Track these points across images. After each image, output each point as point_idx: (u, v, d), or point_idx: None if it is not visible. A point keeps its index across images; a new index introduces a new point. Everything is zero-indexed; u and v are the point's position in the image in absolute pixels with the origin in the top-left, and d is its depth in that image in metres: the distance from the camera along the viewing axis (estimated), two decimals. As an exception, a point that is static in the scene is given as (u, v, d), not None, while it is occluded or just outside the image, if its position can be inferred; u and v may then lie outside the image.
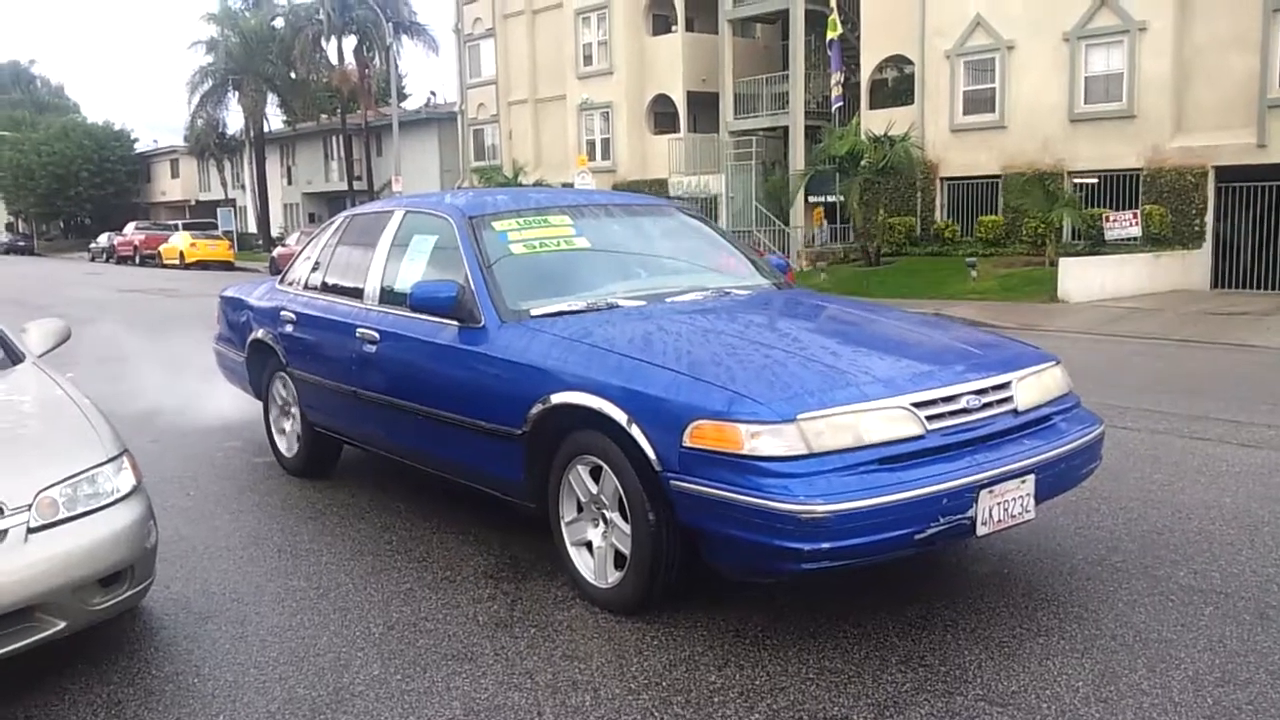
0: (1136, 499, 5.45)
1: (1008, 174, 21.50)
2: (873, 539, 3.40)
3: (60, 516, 3.38)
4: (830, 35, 24.11)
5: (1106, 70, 20.31)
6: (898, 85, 25.72)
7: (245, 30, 46.08)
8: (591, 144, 31.80)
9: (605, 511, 4.04)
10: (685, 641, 3.77)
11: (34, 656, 3.50)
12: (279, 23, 46.37)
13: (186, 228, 43.32)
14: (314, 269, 6.16)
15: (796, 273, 19.68)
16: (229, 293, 7.27)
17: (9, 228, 68.17)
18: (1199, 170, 19.09)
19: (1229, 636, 3.72)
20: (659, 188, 28.08)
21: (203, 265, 38.24)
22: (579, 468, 4.10)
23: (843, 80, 24.50)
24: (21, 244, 59.89)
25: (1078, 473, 4.14)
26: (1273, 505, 5.33)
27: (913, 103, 23.50)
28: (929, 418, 3.63)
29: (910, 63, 23.96)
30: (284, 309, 6.15)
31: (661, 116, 30.90)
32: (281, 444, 6.47)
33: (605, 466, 3.94)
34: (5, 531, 3.27)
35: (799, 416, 3.45)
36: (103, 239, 49.71)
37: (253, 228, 50.87)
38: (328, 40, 43.05)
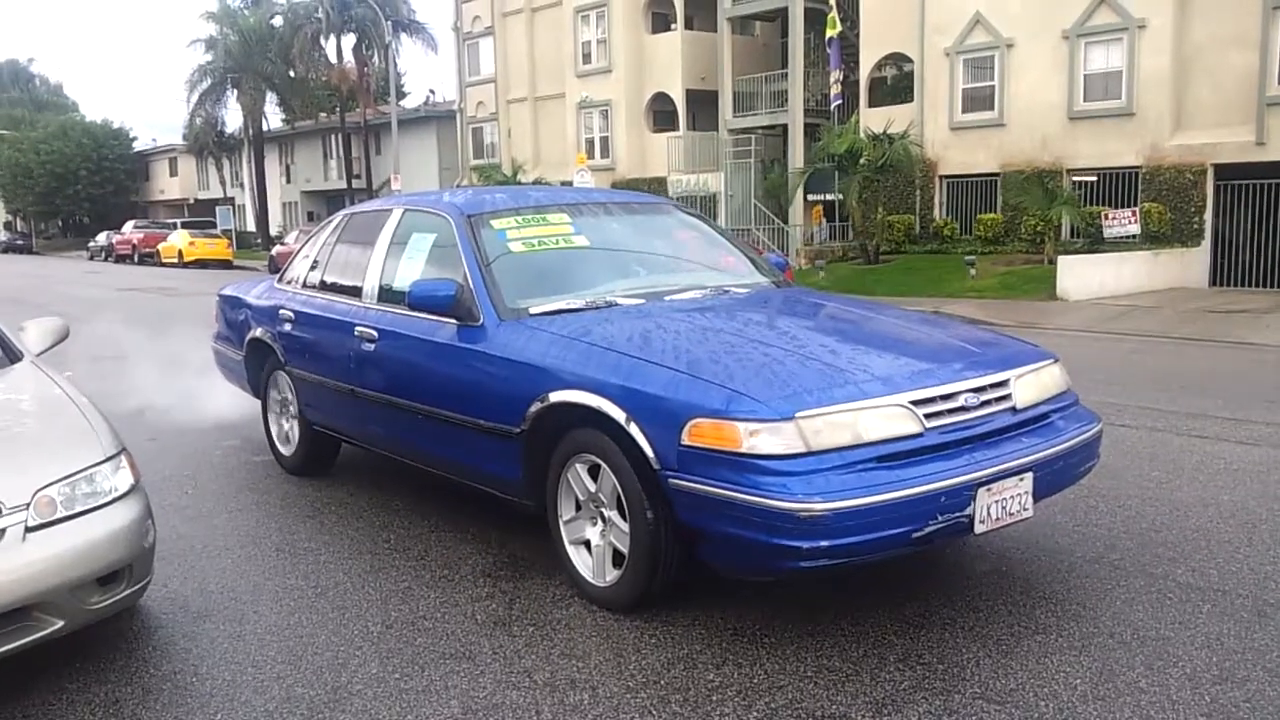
0: (1134, 497, 5.45)
1: (1007, 172, 21.50)
2: (871, 537, 3.40)
3: (58, 515, 3.38)
4: (829, 33, 24.09)
5: (1106, 68, 20.30)
6: (897, 83, 25.71)
7: (244, 28, 46.05)
8: (590, 142, 31.79)
9: (603, 510, 4.04)
10: (683, 640, 3.78)
11: (32, 655, 3.50)
12: (278, 21, 46.34)
13: (185, 226, 43.30)
14: (312, 267, 6.16)
15: (795, 271, 19.65)
16: (227, 291, 7.27)
17: (7, 226, 68.18)
18: (1198, 168, 19.09)
19: (1226, 634, 3.72)
20: (658, 186, 28.06)
21: (201, 264, 38.24)
22: (577, 466, 4.09)
23: (842, 78, 24.48)
24: (20, 243, 59.86)
25: (1076, 471, 4.14)
26: (1270, 503, 5.33)
27: (912, 101, 23.49)
28: (927, 416, 3.64)
29: (909, 60, 23.95)
30: (282, 307, 6.15)
31: (660, 114, 30.89)
32: (280, 443, 6.47)
33: (604, 465, 3.94)
34: (3, 530, 3.26)
35: (798, 415, 3.45)
36: (101, 238, 49.68)
37: (251, 226, 50.86)
38: (326, 38, 43.04)
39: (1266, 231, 18.53)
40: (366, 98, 42.92)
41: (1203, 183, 19.08)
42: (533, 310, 4.54)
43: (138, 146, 63.11)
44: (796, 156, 25.84)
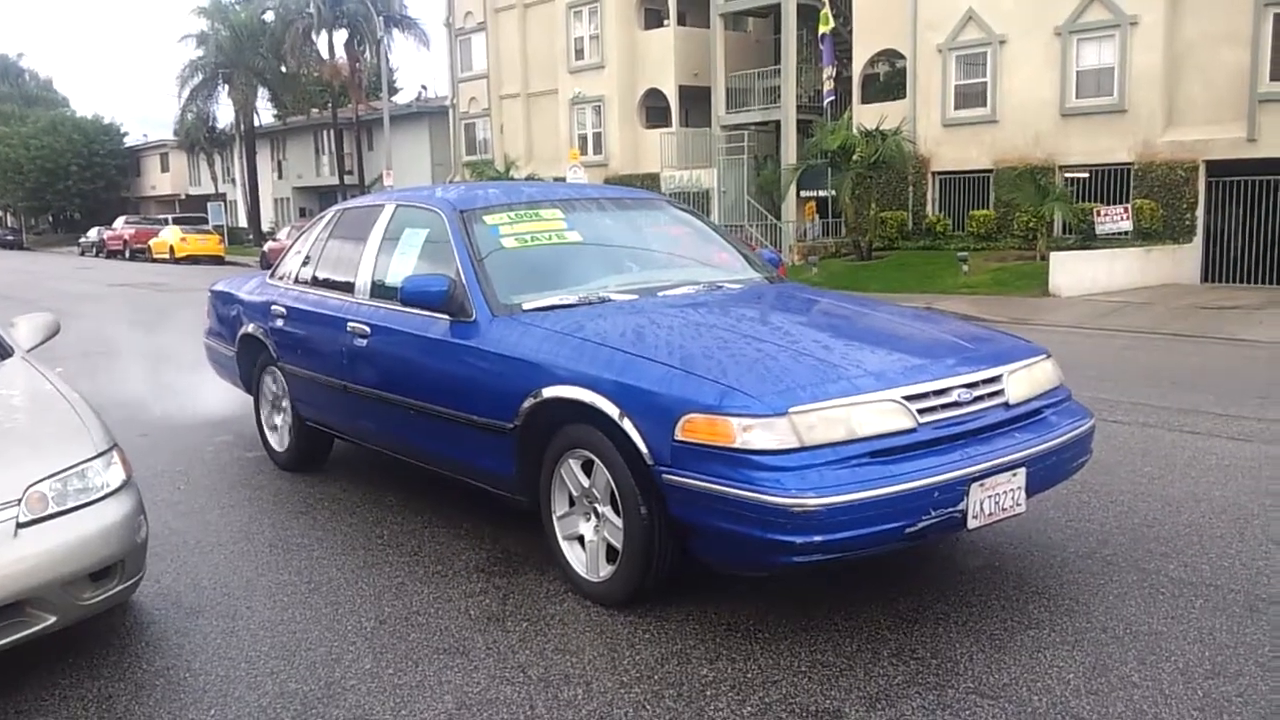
0: (1127, 492, 5.47)
1: (999, 168, 21.54)
2: (864, 532, 3.41)
3: (50, 511, 3.37)
4: (822, 29, 24.10)
5: (1098, 65, 20.34)
6: (890, 79, 25.74)
7: (235, 24, 45.91)
8: (583, 138, 31.78)
9: (597, 505, 4.03)
10: (677, 635, 3.78)
11: (24, 651, 3.48)
12: (269, 16, 46.20)
13: (177, 222, 43.16)
14: (304, 263, 6.14)
15: (788, 267, 19.69)
16: (219, 287, 7.25)
17: (-3, 222, 67.95)
18: (1190, 164, 19.14)
19: (1219, 629, 3.73)
20: (651, 182, 28.05)
21: (193, 260, 38.11)
22: (571, 462, 4.09)
23: (834, 74, 24.48)
24: (10, 238, 59.57)
25: (1068, 466, 4.15)
26: (1262, 498, 5.35)
27: (905, 97, 23.53)
28: (920, 411, 3.64)
29: (902, 57, 23.98)
30: (274, 303, 6.14)
31: (653, 111, 30.87)
32: (272, 438, 6.46)
33: (597, 460, 3.94)
34: (-5, 526, 3.25)
35: (791, 410, 3.45)
36: (92, 233, 49.48)
37: (243, 222, 50.75)
38: (318, 34, 42.92)
39: (1258, 228, 18.58)
40: (358, 93, 42.83)
41: (1194, 179, 19.13)
42: (526, 306, 4.54)
43: (129, 142, 62.90)
44: (789, 153, 25.85)
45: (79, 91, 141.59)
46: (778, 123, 26.79)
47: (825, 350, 3.96)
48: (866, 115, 23.37)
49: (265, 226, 47.94)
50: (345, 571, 4.56)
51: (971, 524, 3.64)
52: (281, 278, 6.34)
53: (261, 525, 5.30)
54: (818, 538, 3.34)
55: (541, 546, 4.44)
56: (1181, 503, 5.29)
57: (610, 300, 4.63)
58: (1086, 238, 19.45)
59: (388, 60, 40.78)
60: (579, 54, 31.73)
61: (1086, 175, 20.73)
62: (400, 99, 49.93)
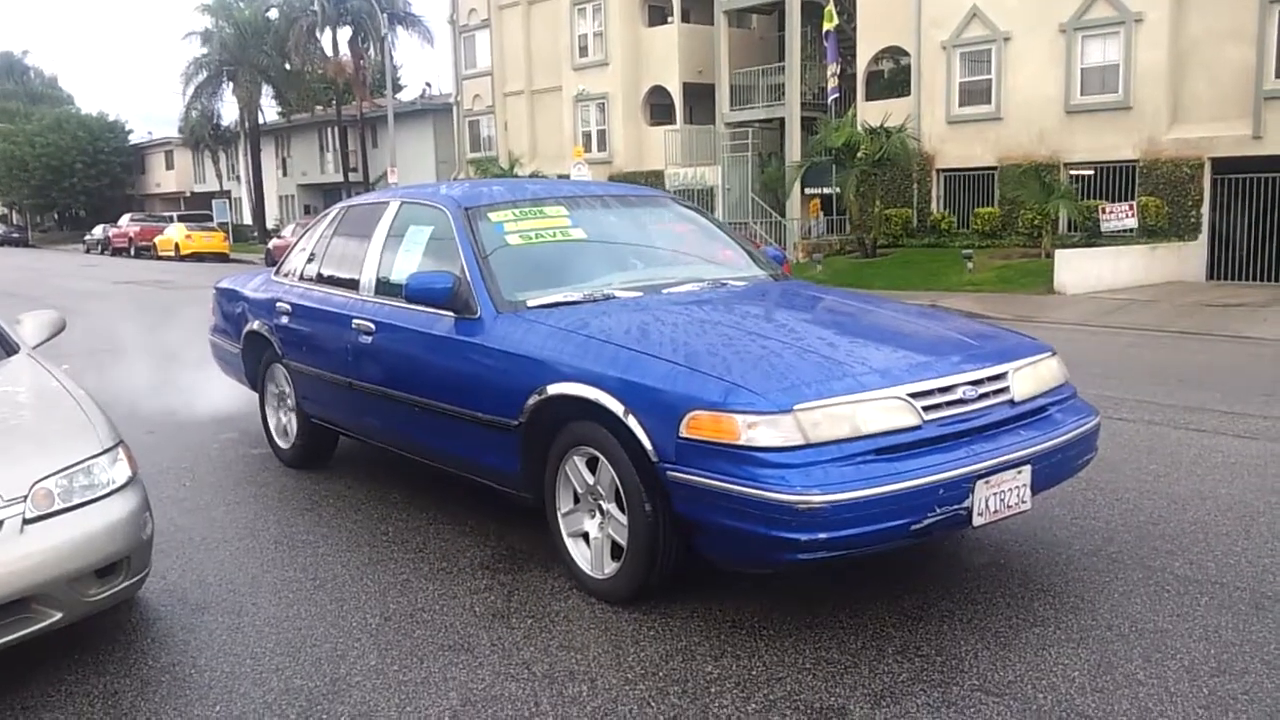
0: (1132, 490, 5.46)
1: (1004, 166, 21.50)
2: (869, 529, 3.41)
3: (56, 507, 3.37)
4: (826, 26, 24.05)
5: (1103, 62, 20.29)
6: (894, 77, 25.69)
7: (240, 21, 45.93)
8: (587, 135, 31.76)
9: (602, 502, 4.04)
10: (682, 632, 3.78)
11: (31, 648, 3.50)
12: (273, 13, 46.23)
13: (181, 219, 43.23)
14: (309, 260, 6.15)
15: (792, 264, 19.67)
16: (224, 284, 7.26)
17: (3, 220, 67.96)
18: (1195, 162, 19.09)
19: (1224, 626, 3.73)
20: (655, 179, 28.03)
21: (198, 257, 38.18)
22: (575, 459, 4.09)
23: (839, 72, 24.44)
24: (16, 236, 59.63)
25: (1074, 463, 4.15)
26: (1268, 496, 5.34)
27: (909, 94, 23.48)
28: (925, 408, 3.64)
29: (906, 54, 23.92)
30: (279, 300, 6.14)
31: (657, 108, 30.85)
32: (277, 435, 6.46)
33: (602, 457, 3.94)
34: (1, 522, 3.26)
35: (795, 407, 3.45)
36: (97, 231, 49.56)
37: (248, 219, 50.80)
38: (322, 31, 42.91)
39: (1263, 225, 18.53)
40: (362, 91, 42.83)
41: (1200, 176, 19.09)
42: (530, 303, 4.54)
43: (133, 139, 62.97)
44: (794, 150, 25.83)
45: (84, 89, 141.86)
46: (782, 120, 26.77)
47: (830, 347, 3.95)
48: (871, 112, 23.34)
49: (270, 224, 47.98)
50: (350, 568, 4.56)
51: (976, 521, 3.64)
52: (286, 275, 6.35)
53: (267, 522, 5.30)
54: (822, 535, 3.34)
55: (546, 543, 4.44)
56: (1187, 500, 5.28)
57: (615, 297, 4.63)
58: (1091, 235, 19.42)
59: (392, 57, 40.71)
60: (583, 51, 31.71)
61: (1091, 172, 20.69)
62: (405, 96, 49.95)
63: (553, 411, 4.11)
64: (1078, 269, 17.24)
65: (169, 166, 61.48)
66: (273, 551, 4.83)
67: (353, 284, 5.52)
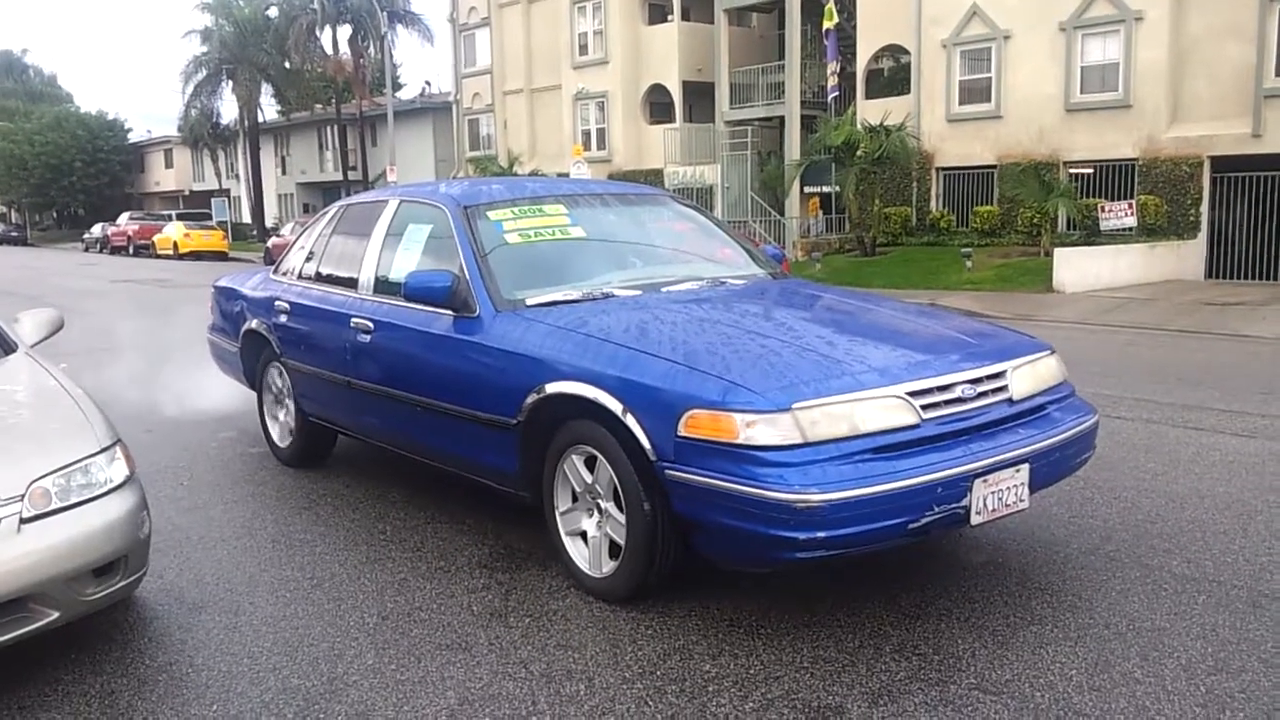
0: (1130, 488, 5.46)
1: (1003, 164, 21.49)
2: (867, 528, 3.41)
3: (53, 506, 3.37)
4: (826, 25, 24.05)
5: (1102, 60, 20.29)
6: (894, 75, 25.69)
7: (239, 19, 45.90)
8: (587, 134, 31.74)
9: (600, 501, 4.03)
10: (679, 630, 3.78)
11: (28, 647, 3.49)
12: (273, 12, 46.19)
13: (180, 218, 43.16)
14: (308, 259, 6.14)
15: (791, 263, 19.67)
16: (223, 283, 7.25)
17: (2, 218, 67.95)
18: (1194, 160, 19.08)
19: (1222, 625, 3.73)
20: (655, 178, 28.02)
21: (197, 256, 38.16)
22: (574, 457, 4.09)
23: (838, 70, 24.45)
24: (15, 234, 59.60)
25: (1072, 462, 4.15)
26: (1266, 494, 5.34)
27: (909, 92, 23.48)
28: (924, 407, 3.63)
29: (906, 52, 23.92)
30: (278, 299, 6.14)
31: (657, 106, 30.84)
32: (275, 434, 6.46)
33: (600, 456, 3.93)
34: (-2, 521, 3.26)
35: (794, 406, 3.45)
36: (96, 229, 49.52)
37: (247, 218, 50.78)
38: (322, 29, 42.86)
39: (1263, 224, 18.53)
40: (362, 89, 42.80)
41: (1199, 175, 19.08)
42: (529, 301, 4.53)
43: (133, 138, 62.94)
44: (793, 148, 25.82)
45: (83, 88, 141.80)
46: (781, 118, 26.77)
47: (829, 346, 3.95)
48: (870, 111, 23.34)
49: (269, 222, 47.95)
50: (348, 567, 4.56)
51: (975, 520, 3.64)
52: (285, 273, 6.34)
53: (264, 521, 5.30)
54: (821, 533, 3.34)
55: (544, 542, 4.44)
56: (1185, 498, 5.28)
57: (614, 296, 4.63)
58: (1091, 234, 19.42)
59: (391, 56, 40.65)
60: (583, 49, 31.70)
61: (1091, 171, 20.69)
62: (404, 95, 49.89)
63: (551, 410, 4.11)
64: (1077, 267, 17.25)
65: (168, 165, 61.46)
66: (270, 550, 4.83)
67: (351, 283, 5.52)
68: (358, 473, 6.13)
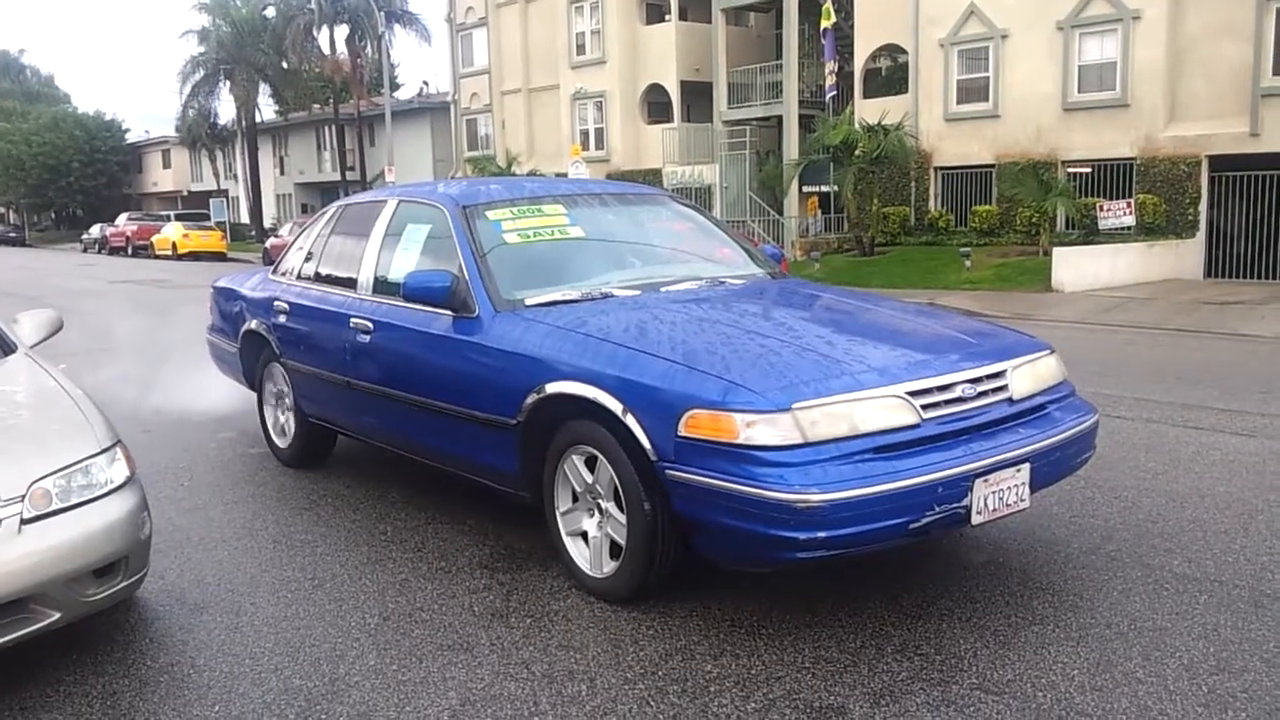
0: (1131, 488, 5.46)
1: (1001, 163, 21.50)
2: (868, 528, 3.41)
3: (54, 507, 3.37)
4: (824, 24, 24.05)
5: (1100, 59, 20.29)
6: (891, 74, 25.69)
7: (237, 19, 45.85)
8: (585, 134, 31.73)
9: (600, 501, 4.03)
10: (681, 631, 3.78)
11: (29, 648, 3.49)
12: (270, 12, 46.14)
13: (179, 218, 43.13)
14: (307, 259, 6.14)
15: (790, 262, 19.66)
16: (222, 283, 7.25)
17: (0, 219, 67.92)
18: (1192, 159, 19.09)
19: (1223, 624, 3.73)
20: (653, 177, 28.01)
21: (195, 256, 38.11)
22: (574, 457, 4.09)
23: (836, 69, 24.45)
24: (12, 235, 59.51)
25: (1072, 462, 4.15)
26: (1266, 494, 5.35)
27: (907, 92, 23.47)
28: (924, 406, 3.63)
29: (904, 52, 23.92)
30: (277, 299, 6.13)
31: (655, 106, 30.83)
32: (275, 435, 6.46)
33: (600, 456, 3.93)
34: (-1, 522, 3.26)
35: (794, 405, 3.45)
36: (95, 230, 49.46)
37: (245, 218, 50.73)
38: (319, 29, 42.86)
39: (1261, 223, 18.54)
40: (360, 89, 42.79)
41: (1197, 174, 19.09)
42: (528, 301, 4.53)
43: (130, 138, 62.86)
44: (791, 148, 25.82)
45: (81, 88, 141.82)
46: (779, 118, 26.76)
47: (828, 346, 3.95)
48: (868, 110, 23.34)
49: (267, 223, 47.91)
50: (349, 568, 4.56)
51: (975, 519, 3.64)
52: (284, 274, 6.34)
53: (265, 522, 5.30)
54: (821, 533, 3.34)
55: (545, 543, 4.44)
56: (1185, 498, 5.28)
57: (613, 296, 4.62)
58: (1089, 233, 19.42)
59: (389, 56, 40.66)
60: (580, 49, 31.68)
61: (1089, 170, 20.70)
62: (402, 95, 49.85)
63: (551, 410, 4.11)
64: (1075, 267, 17.25)
65: (166, 165, 61.39)
66: (271, 551, 4.82)
67: (351, 283, 5.51)
68: (358, 473, 6.13)
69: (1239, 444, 6.46)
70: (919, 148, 22.81)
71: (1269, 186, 18.38)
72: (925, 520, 3.50)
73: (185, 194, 58.56)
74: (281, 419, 6.37)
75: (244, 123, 47.69)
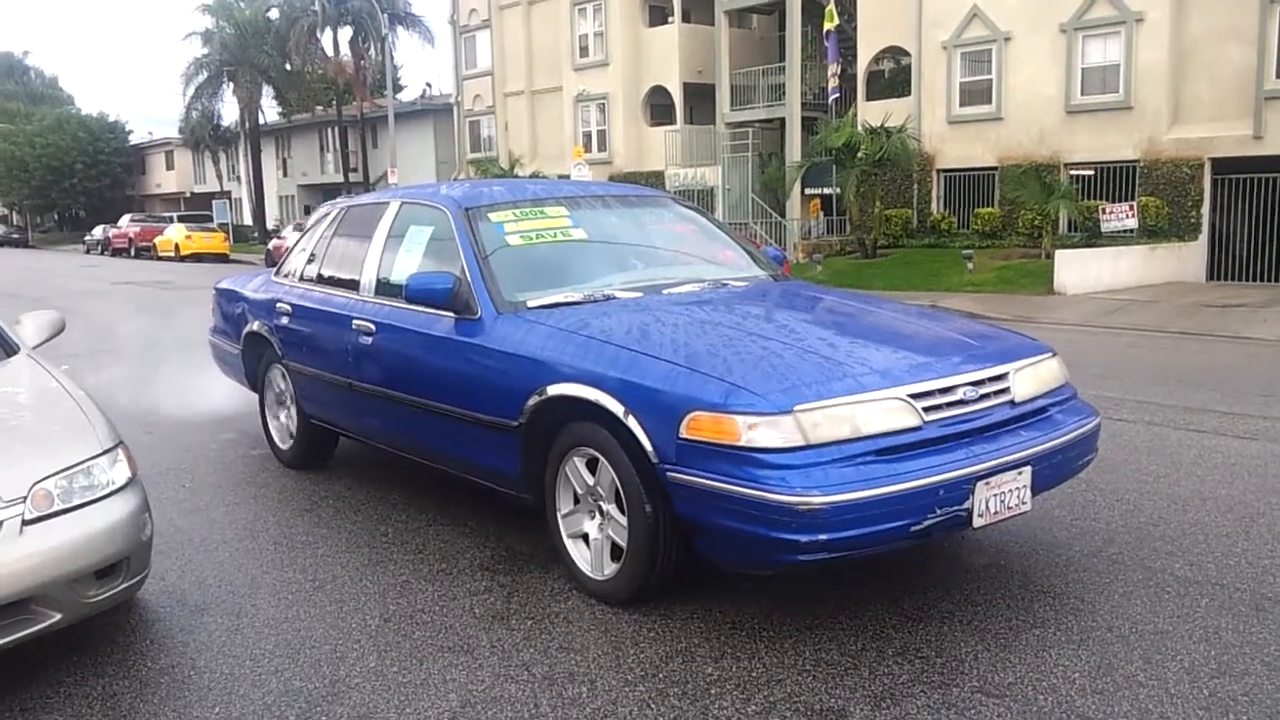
0: (1132, 491, 5.46)
1: (1004, 166, 21.50)
2: (869, 530, 3.40)
3: (56, 508, 3.37)
4: (827, 26, 24.03)
5: (1103, 62, 20.29)
6: (894, 77, 25.69)
7: (240, 21, 45.91)
8: (588, 136, 31.75)
9: (602, 503, 4.03)
10: (682, 633, 3.77)
11: (30, 649, 3.49)
12: (274, 14, 46.21)
13: (181, 220, 43.18)
14: (309, 261, 6.14)
15: (793, 265, 19.65)
16: (224, 285, 7.26)
17: (3, 220, 68.01)
18: (1195, 162, 19.08)
19: (1225, 628, 3.72)
20: (656, 179, 28.03)
21: (198, 258, 38.15)
22: (575, 459, 4.09)
23: (839, 72, 24.44)
24: (16, 236, 59.62)
25: (1074, 464, 4.14)
26: (1268, 497, 5.34)
27: (909, 94, 23.48)
28: (926, 409, 3.63)
29: (907, 54, 23.92)
30: (279, 301, 6.14)
31: (658, 108, 30.85)
32: (277, 436, 6.46)
33: (602, 458, 3.93)
34: (1, 523, 3.25)
35: (796, 408, 3.45)
36: (98, 231, 49.55)
37: (248, 220, 50.78)
38: (323, 31, 42.90)
39: (1263, 226, 18.53)
40: (363, 91, 42.82)
41: (1200, 177, 19.08)
42: (530, 303, 4.53)
43: (134, 140, 62.98)
44: (794, 150, 25.82)
45: (84, 89, 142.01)
46: (782, 120, 26.76)
47: (830, 348, 3.95)
48: (871, 112, 23.34)
49: (270, 224, 47.97)
50: (350, 569, 4.56)
51: (977, 522, 3.63)
52: (286, 275, 6.34)
53: (266, 523, 5.30)
54: (823, 536, 3.34)
55: (546, 544, 4.44)
56: (1187, 501, 5.28)
57: (615, 298, 4.62)
58: (1091, 235, 19.42)
59: (392, 58, 40.66)
60: (583, 51, 31.71)
61: (1091, 173, 20.68)
62: (405, 96, 49.95)
63: (553, 412, 4.11)
64: (1078, 269, 17.24)
65: (169, 167, 61.47)
66: (272, 553, 4.82)
67: (353, 284, 5.52)
68: (359, 475, 6.13)
69: (1241, 447, 6.45)
70: (921, 150, 22.82)
71: (1272, 189, 18.36)
72: (927, 523, 3.50)
73: (188, 195, 58.66)
74: (283, 420, 6.37)
75: (247, 124, 47.74)
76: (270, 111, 50.72)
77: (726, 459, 3.45)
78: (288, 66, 46.27)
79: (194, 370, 8.74)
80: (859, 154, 21.72)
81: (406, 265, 5.13)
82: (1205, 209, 19.09)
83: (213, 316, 7.35)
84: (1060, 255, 17.56)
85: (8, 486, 3.31)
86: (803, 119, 26.21)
